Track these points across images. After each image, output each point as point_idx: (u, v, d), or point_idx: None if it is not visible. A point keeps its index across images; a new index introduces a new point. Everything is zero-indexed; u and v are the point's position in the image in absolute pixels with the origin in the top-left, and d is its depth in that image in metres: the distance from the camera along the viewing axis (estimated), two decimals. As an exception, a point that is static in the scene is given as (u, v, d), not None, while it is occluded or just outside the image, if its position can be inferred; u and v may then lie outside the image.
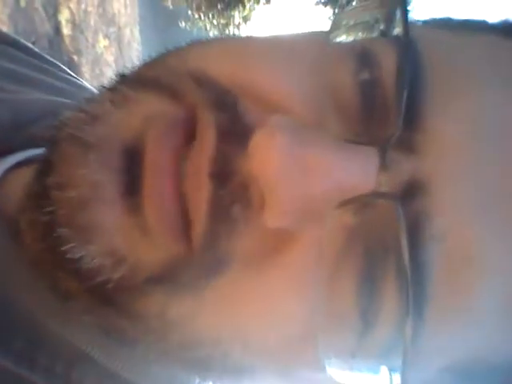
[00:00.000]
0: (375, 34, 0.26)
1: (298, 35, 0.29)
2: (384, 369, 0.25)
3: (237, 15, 7.77)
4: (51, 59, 0.51)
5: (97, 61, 3.07)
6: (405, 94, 0.24)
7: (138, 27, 4.13)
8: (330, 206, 0.24)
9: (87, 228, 0.24)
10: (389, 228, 0.23)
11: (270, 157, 0.23)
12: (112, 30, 3.43)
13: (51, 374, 0.28)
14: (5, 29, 1.94)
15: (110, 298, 0.25)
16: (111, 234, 0.24)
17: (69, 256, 0.24)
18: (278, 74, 0.26)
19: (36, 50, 0.51)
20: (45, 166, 0.26)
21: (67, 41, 2.62)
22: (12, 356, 0.27)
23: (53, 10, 2.51)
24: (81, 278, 0.25)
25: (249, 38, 0.30)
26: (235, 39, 0.32)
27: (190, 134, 0.25)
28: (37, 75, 0.46)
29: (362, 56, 0.26)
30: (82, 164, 0.25)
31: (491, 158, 0.24)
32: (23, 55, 0.48)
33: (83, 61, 2.80)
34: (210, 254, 0.24)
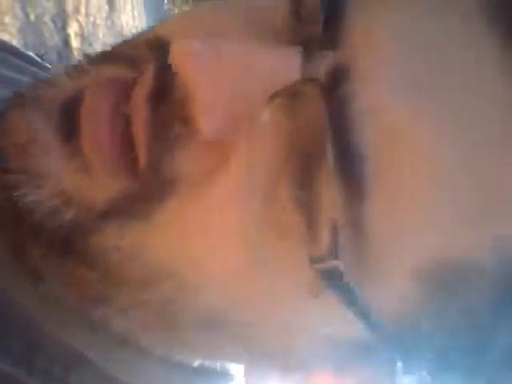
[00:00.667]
0: None
1: None
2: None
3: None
4: (51, 67, 0.52)
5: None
6: None
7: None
8: (258, 102, 0.24)
9: (33, 173, 0.25)
10: (320, 124, 0.23)
11: (188, 48, 0.24)
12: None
13: (49, 378, 0.27)
14: (14, 42, 1.97)
15: (66, 245, 0.26)
16: (57, 178, 0.25)
17: (22, 203, 0.25)
18: (213, 16, 0.27)
19: (36, 58, 0.52)
20: None
21: (76, 53, 2.65)
22: (10, 359, 0.27)
23: (61, 23, 2.54)
24: (37, 230, 0.26)
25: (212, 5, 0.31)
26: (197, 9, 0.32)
27: (132, 89, 0.26)
28: None
29: None
30: (25, 115, 0.26)
31: (416, 45, 0.24)
32: (22, 63, 0.49)
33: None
34: (154, 179, 0.25)
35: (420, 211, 0.24)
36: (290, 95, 0.24)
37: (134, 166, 0.25)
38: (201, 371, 0.32)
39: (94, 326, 0.28)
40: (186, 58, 0.24)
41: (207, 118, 0.24)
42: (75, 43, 2.68)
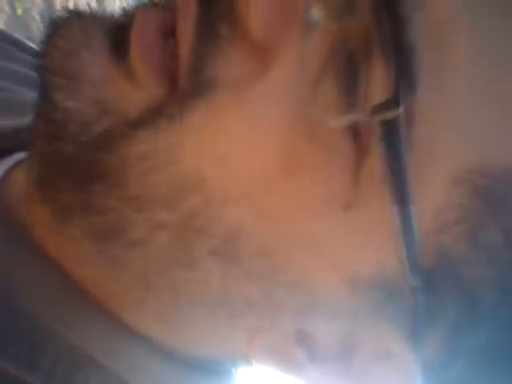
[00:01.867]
0: None
1: None
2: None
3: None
4: None
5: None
6: None
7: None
8: (308, 2, 0.23)
9: (76, 76, 0.25)
10: (374, 18, 0.22)
11: None
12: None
13: (53, 378, 0.27)
14: (1, 36, 1.93)
15: (93, 168, 0.26)
16: (99, 83, 0.25)
17: (58, 107, 0.25)
18: None
19: (35, 47, 0.49)
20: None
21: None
22: (13, 359, 0.26)
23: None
24: (69, 143, 0.26)
25: None
26: None
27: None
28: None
29: None
30: (77, 22, 0.27)
31: None
32: (23, 54, 0.49)
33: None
34: (194, 79, 0.24)
35: (466, 111, 0.23)
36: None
37: (177, 73, 0.25)
38: (204, 370, 0.32)
39: (102, 323, 0.28)
40: None
41: (259, 14, 0.24)
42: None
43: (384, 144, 0.22)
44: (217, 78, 0.24)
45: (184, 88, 0.25)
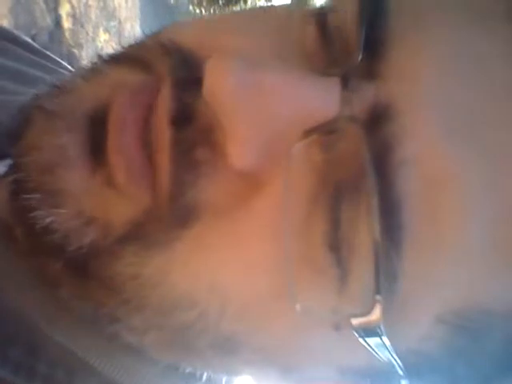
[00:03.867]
0: None
1: (266, 8, 0.30)
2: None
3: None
4: (52, 56, 0.51)
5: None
6: (365, 24, 0.23)
7: (138, 22, 4.13)
8: (294, 137, 0.23)
9: (54, 192, 0.25)
10: (357, 162, 0.22)
11: (222, 78, 0.22)
12: (113, 24, 3.42)
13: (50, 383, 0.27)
14: (5, 22, 1.94)
15: (85, 268, 0.25)
16: (79, 196, 0.25)
17: (39, 223, 0.24)
18: (242, 34, 0.26)
19: (36, 46, 0.51)
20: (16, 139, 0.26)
21: (68, 34, 2.62)
22: (10, 365, 0.26)
23: (53, 4, 2.50)
24: (56, 251, 0.25)
25: (222, 14, 0.31)
26: (211, 16, 0.33)
27: (155, 100, 0.25)
28: (36, 73, 0.46)
29: (321, 10, 0.26)
30: (48, 130, 0.25)
31: (460, 81, 0.23)
32: (23, 51, 0.48)
33: (83, 54, 2.80)
34: (177, 204, 0.24)
35: (455, 261, 0.23)
36: (327, 132, 0.23)
37: (158, 186, 0.24)
38: (201, 377, 0.32)
39: (101, 332, 0.28)
40: (222, 88, 0.22)
41: (239, 151, 0.23)
42: (67, 24, 2.65)
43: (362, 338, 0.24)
44: (200, 204, 0.24)
45: (168, 213, 0.24)
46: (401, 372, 0.26)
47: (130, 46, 0.29)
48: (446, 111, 0.23)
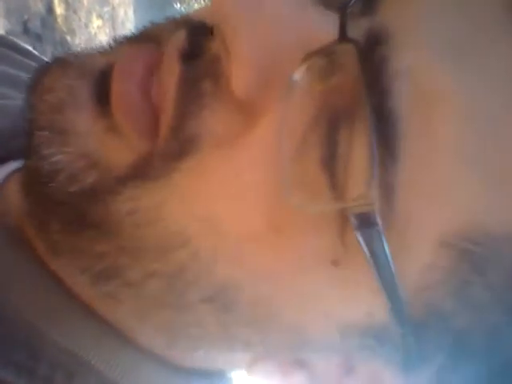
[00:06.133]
0: None
1: None
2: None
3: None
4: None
5: (90, 41, 3.03)
6: None
7: (132, 7, 4.08)
8: (293, 63, 0.23)
9: (63, 131, 0.26)
10: (355, 88, 0.23)
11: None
12: (106, 9, 3.38)
13: None
14: (-3, 7, 1.91)
15: (84, 216, 0.26)
16: (85, 137, 0.26)
17: (47, 162, 0.26)
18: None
19: (35, 52, 0.51)
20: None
21: (60, 20, 2.59)
22: (12, 367, 0.26)
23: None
24: (59, 197, 0.26)
25: None
26: None
27: (163, 54, 0.26)
28: None
29: None
30: (62, 75, 0.27)
31: (452, 10, 0.24)
32: (22, 58, 0.49)
33: (76, 41, 2.76)
34: (179, 135, 0.24)
35: (452, 177, 0.23)
36: (325, 55, 0.24)
37: (160, 127, 0.25)
38: (199, 373, 0.32)
39: (98, 329, 0.28)
40: (227, 5, 0.24)
41: (241, 72, 0.24)
42: (59, 10, 2.61)
43: (360, 233, 0.23)
44: (200, 135, 0.24)
45: (168, 146, 0.25)
46: (401, 321, 0.25)
47: (147, 28, 0.30)
48: (438, 34, 0.24)
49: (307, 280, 0.25)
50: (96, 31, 3.12)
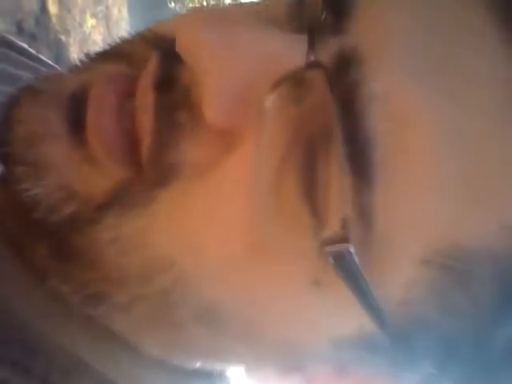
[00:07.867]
0: None
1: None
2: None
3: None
4: (46, 60, 0.52)
5: (85, 40, 3.02)
6: None
7: (126, 6, 4.08)
8: (264, 90, 0.23)
9: (38, 164, 0.26)
10: (328, 112, 0.22)
11: (199, 34, 0.23)
12: (100, 8, 3.37)
13: None
14: (-10, 6, 1.91)
15: (68, 245, 0.26)
16: (61, 169, 0.26)
17: (26, 196, 0.25)
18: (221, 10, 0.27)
19: (32, 51, 0.51)
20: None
21: (54, 20, 2.58)
22: (8, 365, 0.26)
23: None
24: (40, 227, 0.26)
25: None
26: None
27: (135, 81, 0.26)
28: (32, 77, 0.46)
29: None
30: (32, 105, 0.26)
31: (424, 28, 0.24)
32: (18, 56, 0.49)
33: (71, 40, 2.76)
34: (158, 164, 0.25)
35: (429, 197, 0.23)
36: (294, 82, 0.24)
37: (138, 156, 0.25)
38: (197, 374, 0.32)
39: (95, 328, 0.28)
40: (196, 43, 0.23)
41: (214, 103, 0.24)
42: (53, 9, 2.60)
43: (337, 267, 0.23)
44: (179, 165, 0.25)
45: (147, 174, 0.25)
46: (388, 335, 0.25)
47: (117, 44, 0.30)
48: (411, 55, 0.23)
49: (290, 300, 0.26)
50: (90, 30, 3.11)
